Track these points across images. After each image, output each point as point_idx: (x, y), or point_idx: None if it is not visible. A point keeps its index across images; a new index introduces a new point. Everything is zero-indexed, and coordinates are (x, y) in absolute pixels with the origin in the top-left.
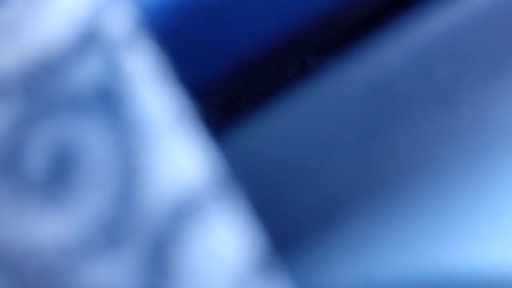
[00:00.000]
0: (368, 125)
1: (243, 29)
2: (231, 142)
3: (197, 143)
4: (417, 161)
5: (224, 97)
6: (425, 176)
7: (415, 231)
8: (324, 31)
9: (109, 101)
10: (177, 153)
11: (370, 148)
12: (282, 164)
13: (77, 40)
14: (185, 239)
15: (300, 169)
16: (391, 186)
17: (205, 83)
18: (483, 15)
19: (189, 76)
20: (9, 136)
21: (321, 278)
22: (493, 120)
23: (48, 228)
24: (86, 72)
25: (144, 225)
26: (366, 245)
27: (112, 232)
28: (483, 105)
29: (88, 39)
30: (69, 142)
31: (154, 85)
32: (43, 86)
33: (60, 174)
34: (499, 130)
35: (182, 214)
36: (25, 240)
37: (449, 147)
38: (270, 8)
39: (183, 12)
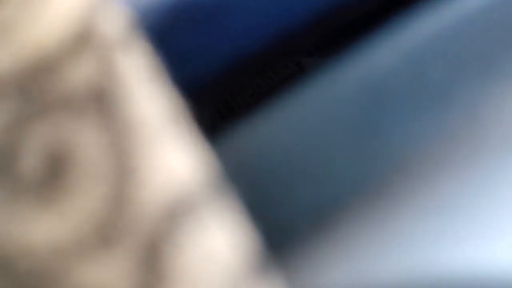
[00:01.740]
0: (363, 125)
1: (237, 30)
2: (225, 142)
3: (191, 144)
4: (412, 161)
5: (218, 97)
6: (420, 177)
7: (410, 232)
8: (319, 32)
9: (103, 102)
10: (170, 154)
11: (365, 148)
12: (276, 164)
13: (71, 41)
14: (178, 240)
15: (295, 169)
16: (386, 186)
17: (199, 83)
18: (476, 16)
19: (183, 77)
20: (3, 136)
21: (315, 280)
22: (487, 120)
23: (42, 229)
24: (81, 73)
25: (138, 225)
26: (361, 247)
27: (106, 232)
28: (477, 105)
29: (82, 40)
30: (63, 142)
31: (148, 86)
32: (37, 87)
33: (54, 175)
34: (494, 130)
35: (176, 215)
36: (19, 241)
37: (444, 147)
38: (265, 9)
39: (177, 13)
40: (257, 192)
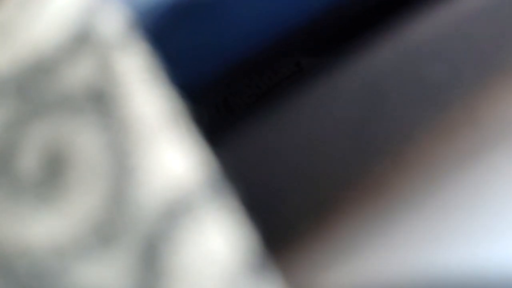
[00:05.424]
0: (361, 125)
1: (236, 29)
2: (224, 142)
3: (189, 144)
4: (411, 161)
5: (217, 97)
6: (418, 177)
7: (409, 232)
8: (318, 31)
9: (101, 102)
10: (169, 154)
11: (364, 148)
12: (275, 164)
13: (70, 41)
14: (177, 239)
15: (293, 169)
16: (385, 186)
17: (198, 83)
18: (475, 16)
19: (182, 77)
20: (2, 136)
21: (313, 279)
22: (485, 121)
23: (41, 228)
24: (79, 73)
25: (136, 225)
26: (361, 247)
27: (105, 232)
28: (475, 105)
29: (81, 41)
30: (62, 142)
31: (146, 86)
32: (36, 87)
33: (53, 174)
34: (491, 131)
35: (174, 214)
36: (17, 240)
37: (442, 148)
38: (264, 9)
39: (175, 12)
40: (255, 192)
